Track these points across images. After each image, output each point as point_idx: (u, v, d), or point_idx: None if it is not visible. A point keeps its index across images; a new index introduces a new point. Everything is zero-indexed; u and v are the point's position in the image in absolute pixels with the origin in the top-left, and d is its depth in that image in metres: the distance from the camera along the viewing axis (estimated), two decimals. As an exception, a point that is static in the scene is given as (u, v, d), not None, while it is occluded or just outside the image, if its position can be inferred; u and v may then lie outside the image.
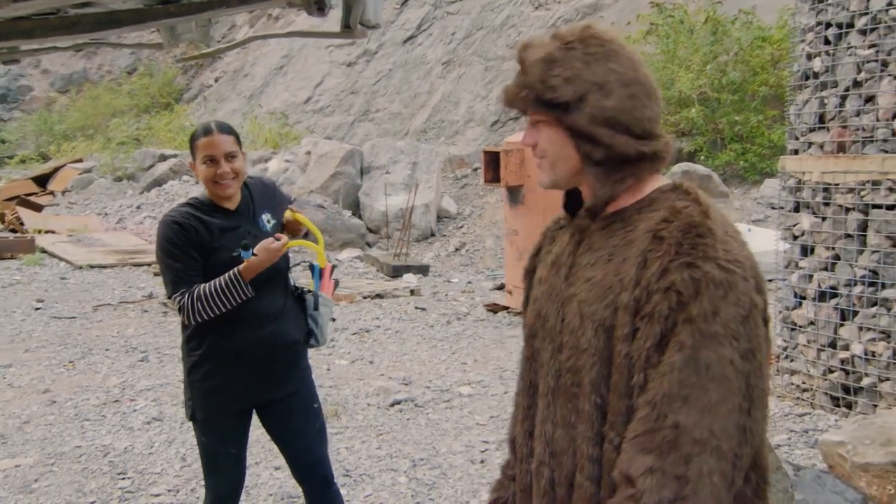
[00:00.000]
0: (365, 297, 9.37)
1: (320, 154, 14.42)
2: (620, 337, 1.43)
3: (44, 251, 12.59)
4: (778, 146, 12.31)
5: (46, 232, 14.23)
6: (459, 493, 4.31)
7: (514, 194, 8.65)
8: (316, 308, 3.01)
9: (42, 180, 19.55)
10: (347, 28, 3.08)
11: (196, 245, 2.74)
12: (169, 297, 2.78)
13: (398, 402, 5.66)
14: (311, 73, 22.42)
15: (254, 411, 2.98)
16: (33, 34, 3.02)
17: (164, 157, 18.68)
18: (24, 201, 16.70)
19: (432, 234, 13.04)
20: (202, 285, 2.72)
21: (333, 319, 3.15)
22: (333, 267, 3.16)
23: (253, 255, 2.70)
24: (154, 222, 14.82)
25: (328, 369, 6.56)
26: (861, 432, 3.24)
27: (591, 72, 1.49)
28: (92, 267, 11.61)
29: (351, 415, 5.47)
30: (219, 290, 2.70)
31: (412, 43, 20.58)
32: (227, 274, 2.72)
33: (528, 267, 1.80)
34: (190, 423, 2.99)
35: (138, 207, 15.98)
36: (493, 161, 8.89)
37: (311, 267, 3.09)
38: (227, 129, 2.82)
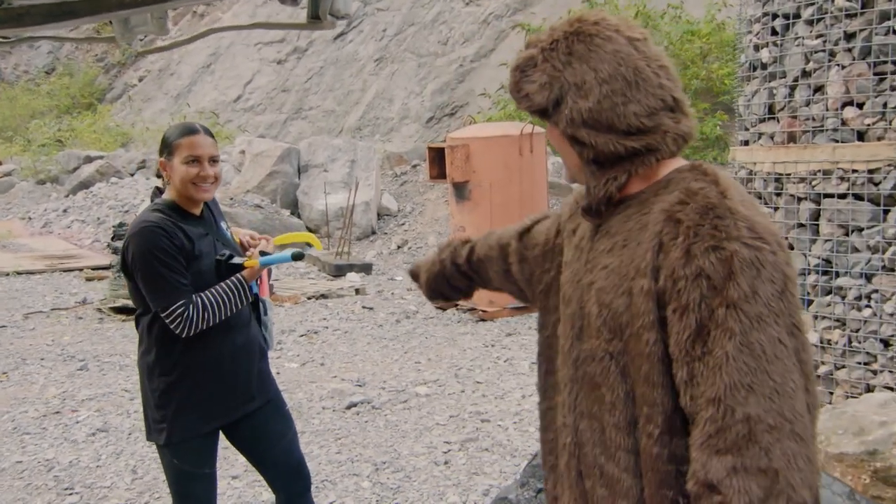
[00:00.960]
0: (309, 298, 9.19)
1: (255, 153, 14.17)
2: (646, 325, 1.38)
3: (-34, 258, 12.03)
4: (710, 138, 12.54)
5: (-33, 238, 13.62)
6: (425, 496, 4.22)
7: (461, 190, 8.60)
8: (265, 313, 2.92)
9: (-41, 185, 18.72)
10: (316, 19, 2.93)
11: (181, 252, 2.58)
12: (161, 310, 2.56)
13: (354, 405, 5.54)
14: (241, 70, 22.00)
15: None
16: (-40, 29, 2.78)
17: (89, 159, 18.09)
18: (-59, 207, 15.96)
19: (373, 232, 12.92)
20: (203, 294, 2.59)
21: (273, 323, 3.06)
22: (270, 270, 3.04)
23: (297, 255, 2.69)
24: (83, 226, 14.30)
25: (278, 373, 6.37)
26: (833, 422, 3.26)
27: (571, 72, 1.47)
28: (19, 273, 11.14)
29: (307, 419, 5.33)
30: (226, 296, 2.60)
31: (343, 40, 20.35)
32: (231, 280, 2.63)
33: (547, 246, 1.78)
34: (140, 438, 2.82)
35: (65, 211, 15.41)
36: (437, 157, 8.82)
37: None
38: (210, 133, 2.70)
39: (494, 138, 8.29)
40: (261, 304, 2.92)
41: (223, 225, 2.84)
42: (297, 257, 2.67)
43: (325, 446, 4.86)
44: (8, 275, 11.04)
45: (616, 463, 1.44)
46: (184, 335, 2.57)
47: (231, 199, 12.94)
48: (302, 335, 7.55)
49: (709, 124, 12.47)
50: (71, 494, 4.37)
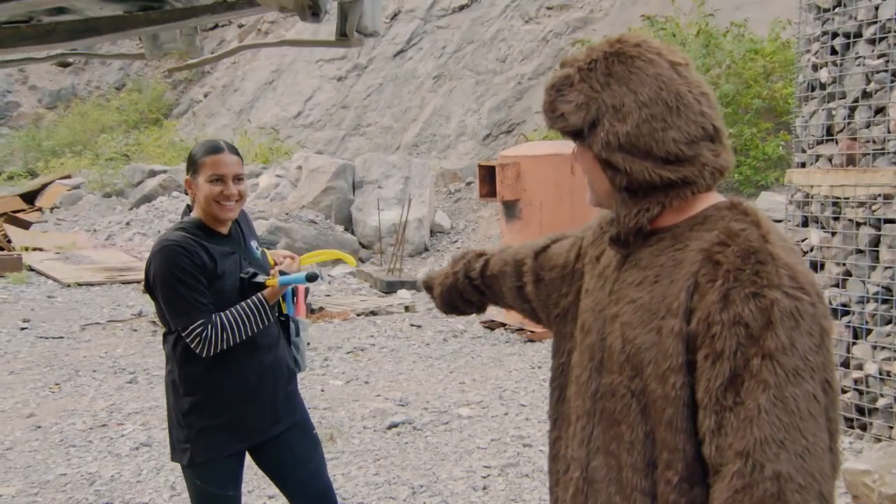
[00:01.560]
0: (359, 315, 9.19)
1: (312, 169, 14.27)
2: (673, 367, 1.31)
3: (31, 269, 12.36)
4: (772, 158, 12.22)
5: (34, 249, 14.00)
6: (462, 522, 4.12)
7: (511, 209, 8.52)
8: (297, 334, 2.88)
9: (30, 197, 19.30)
10: (344, 36, 2.90)
11: (202, 271, 2.56)
12: (181, 329, 2.54)
13: (395, 425, 5.47)
14: (302, 87, 22.29)
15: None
16: (3, 44, 2.82)
17: (153, 173, 18.48)
18: (11, 218, 16.45)
19: (426, 249, 12.89)
20: (223, 314, 2.56)
21: (308, 344, 3.03)
22: (307, 289, 3.02)
23: (311, 276, 2.63)
24: (144, 238, 14.59)
25: (322, 390, 6.37)
26: (887, 460, 3.08)
27: (610, 94, 1.40)
28: (80, 285, 11.39)
29: (347, 438, 5.28)
30: (246, 316, 2.57)
31: (402, 57, 20.47)
32: (251, 300, 2.60)
33: (566, 269, 1.71)
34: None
35: (128, 224, 15.76)
36: (488, 175, 8.77)
37: (292, 289, 2.91)
38: (235, 151, 2.68)
39: (546, 157, 8.19)
40: (292, 325, 2.88)
41: (253, 244, 2.81)
42: (311, 279, 2.62)
43: (363, 467, 4.80)
44: (69, 286, 11.30)
45: (631, 503, 1.38)
46: (203, 354, 2.55)
47: (286, 214, 13.06)
48: (348, 352, 7.53)
49: (771, 144, 12.17)
50: (109, 509, 4.38)
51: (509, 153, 8.75)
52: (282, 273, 2.69)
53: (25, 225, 16.36)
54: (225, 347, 2.56)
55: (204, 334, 2.52)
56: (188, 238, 2.58)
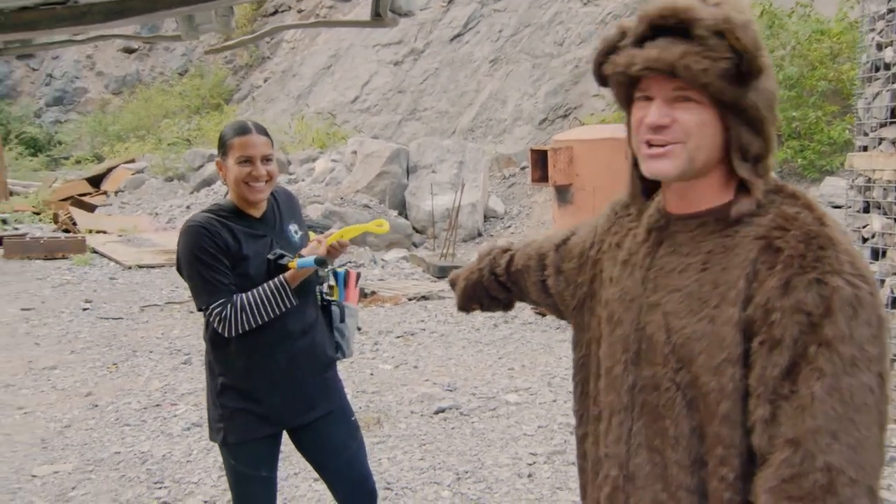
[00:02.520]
0: (410, 299, 9.20)
1: (366, 153, 14.32)
2: (731, 359, 1.25)
3: (94, 251, 12.66)
4: (838, 143, 11.84)
5: (98, 232, 14.34)
6: (506, 509, 4.09)
7: (563, 194, 8.41)
8: (342, 320, 2.85)
9: (96, 181, 19.79)
10: (378, 17, 2.85)
11: (225, 252, 2.55)
12: (202, 309, 2.56)
13: (442, 410, 5.46)
14: (359, 72, 22.36)
15: (283, 432, 2.79)
16: (39, 26, 2.85)
17: (213, 158, 18.77)
18: (77, 201, 16.88)
19: (479, 234, 12.84)
20: (243, 295, 2.55)
21: (359, 329, 2.99)
22: (358, 275, 2.97)
23: (320, 260, 2.55)
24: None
25: (371, 374, 6.38)
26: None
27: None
28: (140, 267, 11.63)
29: (394, 423, 5.28)
30: (265, 298, 2.54)
31: (459, 41, 20.37)
32: (272, 281, 2.56)
33: (582, 259, 1.63)
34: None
35: (188, 207, 16.04)
36: (540, 160, 8.66)
37: (335, 275, 2.91)
38: (263, 131, 2.65)
39: (599, 141, 8.05)
40: (335, 310, 2.86)
41: (291, 227, 2.77)
42: (319, 263, 2.55)
43: (408, 452, 4.79)
44: (130, 268, 11.54)
45: (677, 501, 1.32)
46: (225, 334, 2.55)
47: (341, 198, 13.13)
48: (399, 336, 7.54)
49: (837, 128, 11.78)
50: (160, 488, 4.46)
51: (562, 137, 8.65)
52: (300, 256, 2.65)
53: (91, 208, 16.77)
54: (246, 328, 2.54)
55: (223, 314, 2.51)
56: (213, 219, 2.58)
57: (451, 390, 5.92)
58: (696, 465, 1.30)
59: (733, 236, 1.30)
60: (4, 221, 15.42)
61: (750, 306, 1.24)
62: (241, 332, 2.54)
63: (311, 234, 2.85)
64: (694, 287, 1.32)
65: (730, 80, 1.27)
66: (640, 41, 1.32)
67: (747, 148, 1.31)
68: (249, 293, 2.55)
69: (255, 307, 2.53)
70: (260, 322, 2.55)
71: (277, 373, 2.64)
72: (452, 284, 2.09)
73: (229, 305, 2.52)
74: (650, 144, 1.34)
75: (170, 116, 25.06)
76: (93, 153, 25.57)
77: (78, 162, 24.52)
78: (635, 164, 1.46)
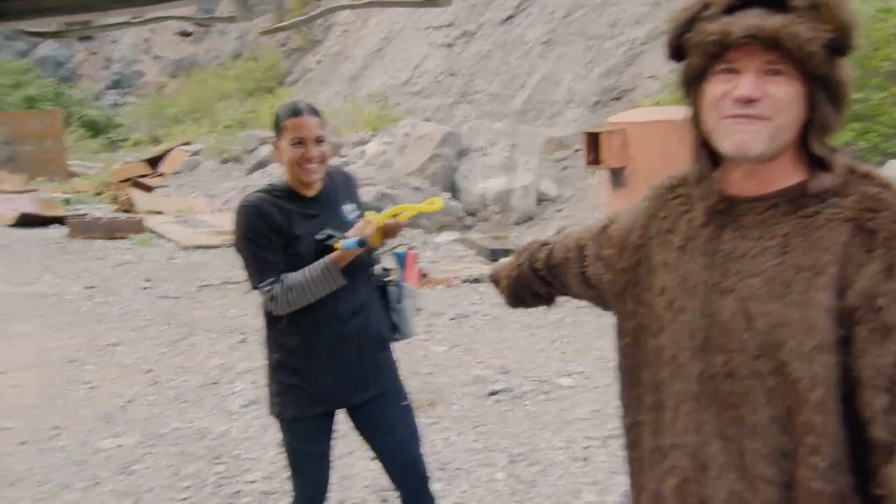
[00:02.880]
0: (463, 282, 9.20)
1: (418, 136, 14.31)
2: (824, 345, 1.21)
3: (152, 231, 12.90)
4: (901, 126, 11.49)
5: (156, 213, 14.60)
6: (560, 492, 4.08)
7: (617, 176, 8.33)
8: (399, 301, 2.85)
9: (153, 162, 20.14)
10: (431, -4, 2.83)
11: (276, 231, 2.59)
12: (255, 287, 2.62)
13: (495, 393, 5.45)
14: (410, 54, 22.34)
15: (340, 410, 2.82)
16: (98, 7, 2.88)
17: (266, 140, 18.95)
18: (136, 182, 17.22)
19: (532, 218, 12.76)
20: (292, 274, 2.58)
21: (419, 310, 3.00)
22: (416, 256, 2.97)
23: (362, 241, 2.55)
24: (257, 204, 15.04)
25: (425, 356, 6.40)
26: None
27: None
28: (197, 247, 11.81)
29: (447, 405, 5.29)
30: (312, 278, 2.56)
31: (511, 23, 20.19)
32: (321, 261, 2.58)
33: (623, 245, 1.58)
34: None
35: (243, 189, 16.20)
36: (594, 142, 8.60)
37: (396, 255, 2.92)
38: (315, 112, 2.67)
39: (653, 123, 7.94)
40: (392, 290, 2.86)
41: (346, 207, 2.77)
42: (362, 244, 2.56)
43: (462, 434, 4.81)
44: (186, 248, 11.74)
45: (755, 492, 1.27)
46: (274, 313, 2.61)
47: (393, 181, 13.16)
48: (452, 319, 7.56)
49: (900, 110, 11.44)
50: (219, 464, 4.54)
51: (615, 120, 8.56)
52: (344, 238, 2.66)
53: (149, 189, 17.09)
54: (294, 307, 2.58)
55: (272, 292, 2.56)
56: (265, 199, 2.62)
57: (504, 373, 5.90)
58: (775, 453, 1.26)
59: (813, 217, 1.26)
60: (67, 202, 15.81)
61: (849, 293, 1.21)
62: (288, 310, 2.58)
63: (367, 215, 2.82)
64: (775, 271, 1.28)
65: (828, 54, 1.23)
66: (729, 10, 1.28)
67: (828, 125, 1.27)
68: (298, 273, 2.58)
69: (302, 287, 2.56)
70: (307, 301, 2.58)
71: (326, 353, 2.67)
72: (495, 281, 2.06)
73: (278, 284, 2.56)
74: (736, 118, 1.29)
75: (224, 99, 25.38)
76: (150, 135, 26.03)
77: (136, 144, 24.97)
78: (702, 144, 1.42)
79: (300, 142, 2.59)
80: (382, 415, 2.79)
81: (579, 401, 5.30)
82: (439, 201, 2.79)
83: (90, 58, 31.62)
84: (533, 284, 1.93)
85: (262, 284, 2.59)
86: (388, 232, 2.75)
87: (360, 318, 2.71)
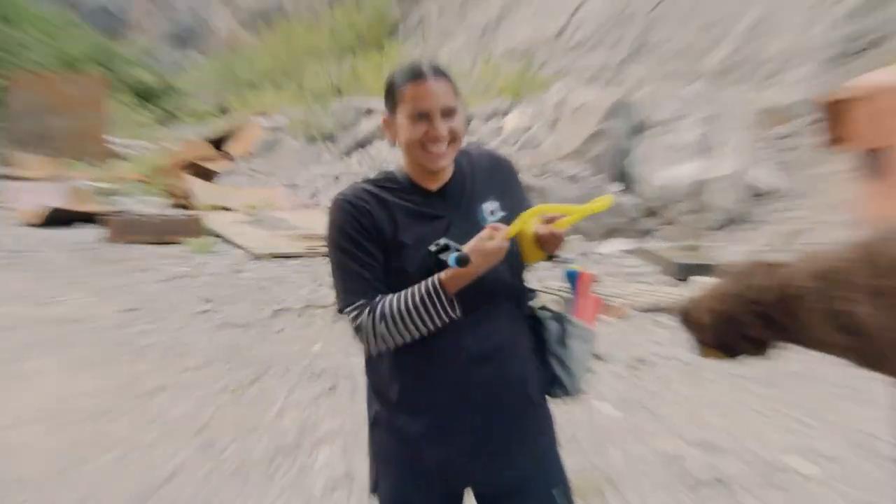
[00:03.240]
0: (641, 311, 8.96)
1: (575, 107, 14.34)
2: None
3: (216, 235, 13.09)
4: None
5: (221, 209, 14.88)
6: None
7: (873, 162, 7.97)
8: (563, 342, 2.76)
9: (219, 141, 20.66)
10: None
11: (375, 237, 2.57)
12: (340, 311, 2.62)
13: (700, 483, 5.06)
14: (566, -6, 22.28)
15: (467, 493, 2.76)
16: None
17: (370, 112, 19.06)
18: (196, 168, 17.66)
19: (739, 220, 12.53)
20: (388, 298, 2.53)
21: (597, 357, 2.76)
22: (593, 278, 2.85)
23: (462, 258, 2.45)
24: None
25: (588, 419, 6.10)
26: None
27: None
28: (275, 256, 11.89)
29: (623, 493, 4.96)
30: (413, 306, 2.50)
31: (708, -53, 19.83)
32: (425, 282, 2.52)
33: None
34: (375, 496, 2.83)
35: (336, 178, 16.39)
36: (835, 113, 8.38)
37: (568, 275, 2.82)
38: (444, 75, 2.62)
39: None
40: (553, 327, 2.77)
41: (487, 206, 2.70)
42: (461, 262, 2.44)
43: (648, 543, 4.41)
44: (260, 258, 11.80)
45: None
46: (365, 349, 2.61)
47: (541, 167, 13.13)
48: (627, 366, 7.33)
49: None
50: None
51: (868, 80, 8.29)
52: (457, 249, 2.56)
53: (212, 177, 17.46)
54: (388, 344, 2.54)
55: (359, 321, 2.52)
56: (367, 191, 2.63)
57: (707, 450, 5.55)
58: None
59: None
60: (107, 193, 16.31)
61: None
62: (382, 347, 2.57)
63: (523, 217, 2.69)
64: None
65: None
66: None
67: None
68: (393, 297, 2.54)
69: (397, 316, 2.51)
70: (405, 338, 2.54)
71: (439, 412, 2.62)
72: (687, 319, 2.07)
73: (367, 309, 2.53)
74: None
75: (316, 58, 25.85)
76: (218, 105, 26.82)
77: (199, 116, 25.77)
78: None
79: (424, 115, 2.56)
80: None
81: (830, 499, 4.86)
82: (610, 199, 2.67)
83: (146, 4, 32.93)
84: (749, 325, 1.91)
85: (348, 308, 2.57)
86: (542, 243, 2.65)
87: (493, 366, 2.64)
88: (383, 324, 2.51)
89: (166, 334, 8.50)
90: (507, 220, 2.65)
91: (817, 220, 11.77)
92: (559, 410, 6.08)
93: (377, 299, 2.54)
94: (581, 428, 5.94)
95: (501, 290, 2.67)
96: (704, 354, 2.08)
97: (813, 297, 1.75)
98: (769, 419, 6.11)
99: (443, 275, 2.51)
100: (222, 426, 6.20)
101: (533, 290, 2.83)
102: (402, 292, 2.53)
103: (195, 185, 16.01)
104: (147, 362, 7.66)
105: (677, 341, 7.94)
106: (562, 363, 2.76)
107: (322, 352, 7.88)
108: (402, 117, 2.60)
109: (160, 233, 12.92)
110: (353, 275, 2.57)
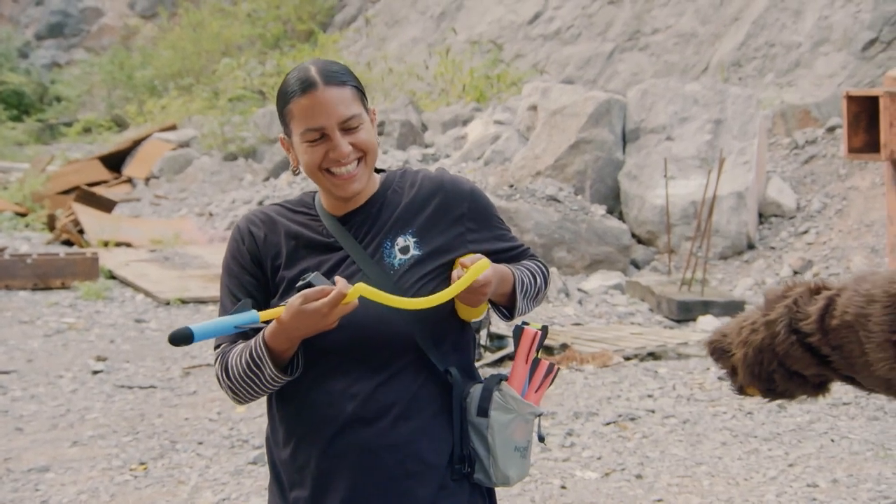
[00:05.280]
0: (629, 358, 9.14)
1: (554, 109, 14.36)
2: None
3: (112, 276, 13.19)
4: None
5: (119, 244, 14.93)
6: None
7: None
8: (484, 413, 2.72)
9: (115, 160, 20.71)
10: None
11: (252, 268, 2.71)
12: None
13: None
14: (541, -29, 22.44)
15: None
16: None
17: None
18: (86, 195, 17.63)
19: (751, 246, 12.62)
20: (235, 350, 2.62)
21: (542, 439, 2.89)
22: (542, 334, 2.80)
23: (253, 322, 2.52)
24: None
25: (563, 487, 6.32)
26: None
27: None
28: (184, 302, 12.00)
29: (603, 576, 5.20)
30: (246, 364, 2.58)
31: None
32: (255, 339, 2.58)
33: None
34: None
35: (260, 203, 16.47)
36: (864, 113, 8.52)
37: (514, 332, 2.82)
38: (338, 77, 2.64)
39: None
40: (472, 393, 2.75)
41: (397, 241, 2.71)
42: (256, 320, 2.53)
43: None
44: (168, 304, 11.95)
45: None
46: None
47: (511, 186, 13.15)
48: (609, 423, 7.50)
49: None
50: None
51: None
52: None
53: (107, 206, 17.53)
54: (244, 401, 2.69)
55: (216, 367, 2.68)
56: (266, 215, 2.76)
57: (705, 521, 5.79)
58: None
59: None
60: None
61: None
62: (238, 401, 2.70)
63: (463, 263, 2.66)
64: None
65: None
66: None
67: None
68: (239, 349, 2.62)
69: (234, 374, 2.61)
70: (252, 397, 2.65)
71: (318, 479, 2.69)
72: (717, 353, 2.12)
73: (220, 357, 2.66)
74: None
75: (232, 54, 25.92)
76: (110, 115, 26.79)
77: (87, 130, 25.71)
78: None
79: (320, 135, 2.60)
80: None
81: None
82: (485, 263, 2.60)
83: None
84: (791, 358, 1.94)
85: (215, 348, 2.71)
86: (474, 296, 2.63)
87: (374, 431, 2.66)
88: (226, 378, 2.63)
89: (54, 401, 8.57)
90: (425, 263, 2.69)
91: (840, 246, 11.89)
92: (533, 478, 6.36)
93: (235, 345, 2.63)
94: (554, 497, 6.13)
95: (399, 344, 2.66)
96: (742, 393, 2.13)
97: (873, 323, 1.75)
98: (781, 485, 6.28)
99: (267, 332, 2.54)
100: (125, 510, 6.37)
101: (475, 350, 2.85)
102: (244, 345, 2.61)
103: (85, 215, 15.99)
104: (29, 434, 7.73)
105: (673, 392, 8.19)
106: (481, 437, 2.73)
107: (246, 416, 7.97)
108: (297, 141, 2.65)
109: (42, 276, 12.92)
110: (223, 310, 2.67)
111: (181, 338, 2.42)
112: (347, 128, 2.60)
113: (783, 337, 1.92)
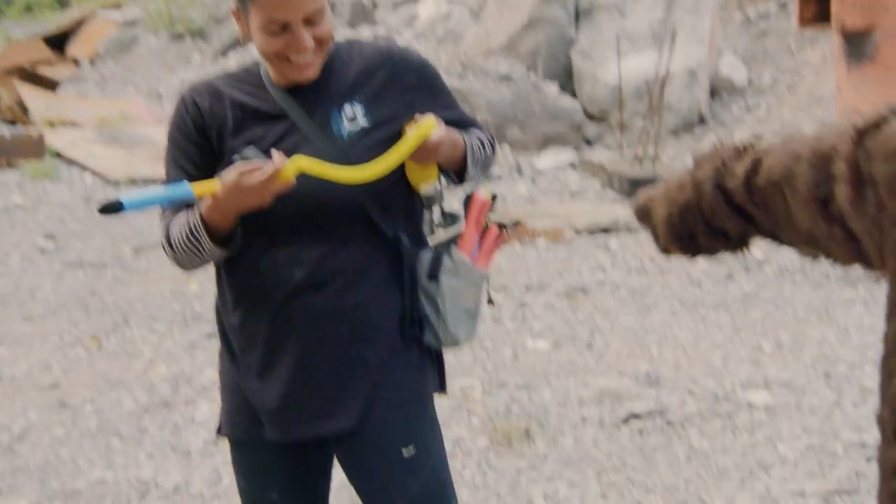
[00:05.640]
0: (580, 232, 9.23)
1: (506, -15, 14.23)
2: None
3: (58, 156, 13.11)
4: None
5: (65, 124, 14.80)
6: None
7: (857, 45, 8.28)
8: (434, 275, 2.77)
9: (59, 40, 20.43)
10: None
11: (196, 138, 2.68)
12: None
13: (637, 416, 5.47)
14: None
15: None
16: None
17: (247, -1, 19.07)
18: (29, 75, 17.47)
19: (702, 121, 12.68)
20: (176, 219, 2.65)
21: (491, 302, 2.90)
22: (492, 202, 2.87)
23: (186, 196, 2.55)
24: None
25: (515, 356, 6.44)
26: None
27: None
28: (134, 182, 11.95)
29: (554, 436, 5.33)
30: (185, 237, 2.60)
31: None
32: (193, 211, 2.60)
33: None
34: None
35: (209, 83, 16.39)
36: None
37: (464, 200, 2.86)
38: None
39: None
40: (423, 258, 2.80)
41: (345, 109, 2.71)
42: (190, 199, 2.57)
43: (578, 485, 4.84)
44: (117, 184, 11.91)
45: None
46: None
47: (463, 65, 13.11)
48: (561, 295, 7.60)
49: None
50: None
51: None
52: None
53: (51, 85, 17.36)
54: (189, 269, 2.77)
55: (162, 234, 2.69)
56: (210, 85, 2.72)
57: (651, 384, 5.91)
58: None
59: None
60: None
61: None
62: (185, 268, 2.76)
63: (411, 126, 2.68)
64: None
65: None
66: None
67: None
68: (179, 219, 2.64)
69: (177, 244, 2.64)
70: (195, 266, 2.72)
71: (268, 346, 2.72)
72: (643, 214, 2.10)
73: (165, 225, 2.69)
74: None
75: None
76: (53, -6, 26.34)
77: (29, 8, 25.31)
78: None
79: (281, 26, 2.53)
80: (362, 468, 2.83)
81: (783, 430, 5.28)
82: (431, 123, 2.64)
83: None
84: (716, 216, 1.95)
85: (160, 219, 2.72)
86: (421, 157, 2.67)
87: (324, 295, 2.70)
88: (170, 248, 2.65)
89: (2, 279, 8.63)
90: (373, 133, 2.69)
91: (789, 120, 11.97)
92: (485, 348, 6.47)
93: (178, 214, 2.64)
94: (506, 366, 6.25)
95: (347, 212, 2.68)
96: (665, 251, 2.13)
97: (799, 182, 1.74)
98: (726, 350, 6.43)
99: (203, 206, 2.53)
100: (78, 382, 6.37)
101: (424, 216, 2.84)
102: (182, 216, 2.63)
103: (29, 95, 15.87)
104: (-20, 311, 7.81)
105: (624, 265, 8.30)
106: (431, 300, 2.77)
107: (199, 292, 8.04)
108: (254, 24, 2.57)
109: (-13, 157, 12.94)
110: (168, 180, 2.70)
111: (111, 207, 2.42)
112: (311, 21, 2.54)
113: (710, 196, 1.92)
